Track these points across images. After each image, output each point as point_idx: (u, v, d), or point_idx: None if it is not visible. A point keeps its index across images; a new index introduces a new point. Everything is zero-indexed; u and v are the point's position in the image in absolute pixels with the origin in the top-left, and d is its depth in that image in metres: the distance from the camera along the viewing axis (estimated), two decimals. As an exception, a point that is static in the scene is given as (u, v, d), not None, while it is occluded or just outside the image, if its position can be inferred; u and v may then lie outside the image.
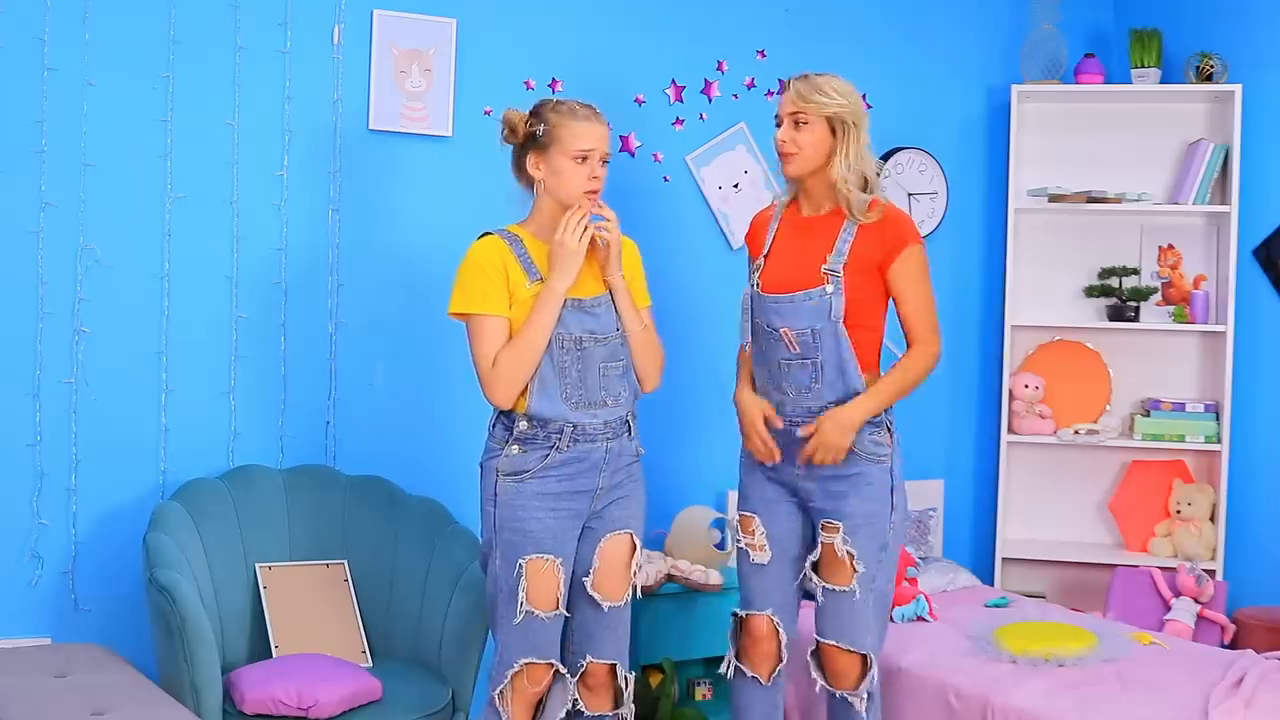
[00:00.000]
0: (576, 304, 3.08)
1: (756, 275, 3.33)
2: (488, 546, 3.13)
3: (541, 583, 3.06)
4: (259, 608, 3.54)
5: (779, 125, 3.27)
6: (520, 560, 3.05)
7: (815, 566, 3.28)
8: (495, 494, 3.08)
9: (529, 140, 3.11)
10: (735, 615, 3.42)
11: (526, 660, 3.07)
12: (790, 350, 3.24)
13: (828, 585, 3.25)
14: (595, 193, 3.09)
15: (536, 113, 3.11)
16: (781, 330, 3.23)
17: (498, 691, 3.09)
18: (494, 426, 3.14)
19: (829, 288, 3.21)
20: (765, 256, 3.32)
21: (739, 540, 3.38)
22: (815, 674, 3.33)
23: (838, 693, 3.29)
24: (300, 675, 3.21)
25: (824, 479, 3.25)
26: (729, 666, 3.42)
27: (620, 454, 3.15)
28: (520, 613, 3.05)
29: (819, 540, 3.28)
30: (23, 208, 3.50)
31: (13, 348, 3.50)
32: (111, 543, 3.61)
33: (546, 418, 3.05)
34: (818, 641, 3.30)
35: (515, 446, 3.07)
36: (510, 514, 3.05)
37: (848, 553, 3.21)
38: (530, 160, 3.11)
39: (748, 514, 3.37)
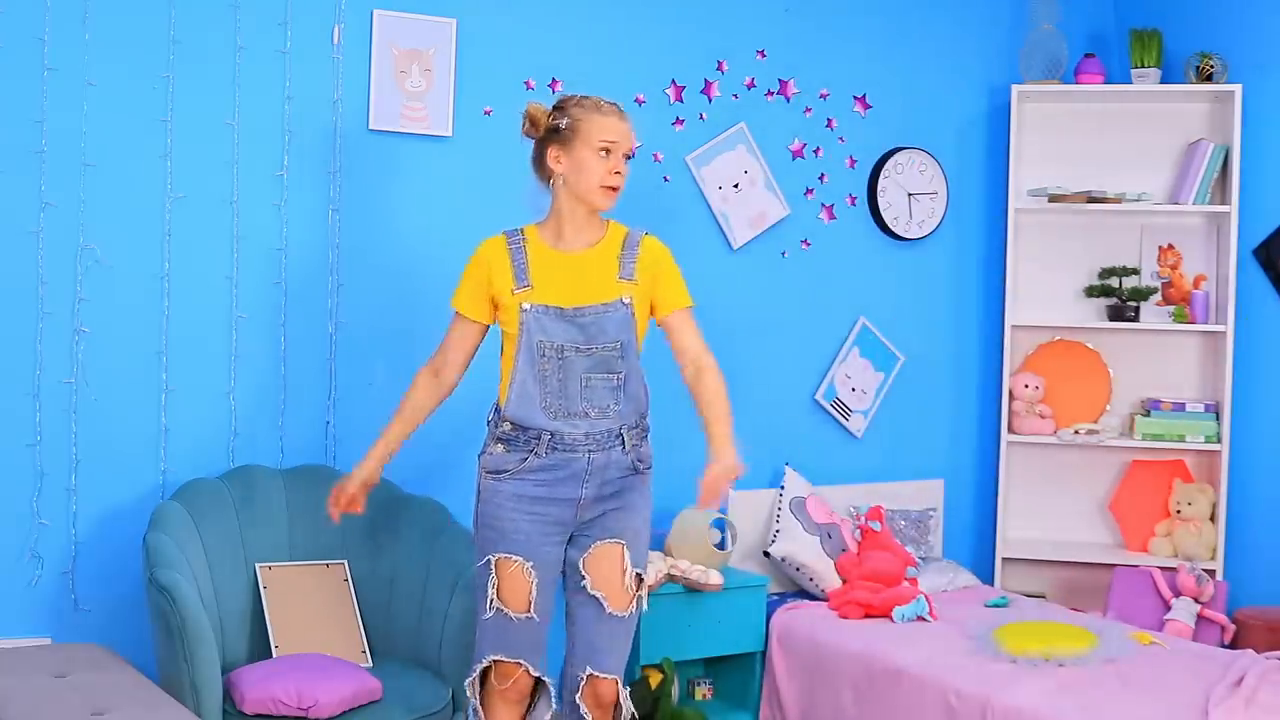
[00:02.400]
0: (559, 313, 3.04)
1: None
2: (473, 539, 3.18)
3: (511, 583, 3.06)
4: (259, 608, 3.54)
5: None
6: (490, 556, 3.07)
7: None
8: (479, 489, 3.12)
9: (550, 133, 3.08)
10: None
11: (495, 656, 3.09)
12: None
13: None
14: (615, 188, 3.07)
15: (560, 106, 3.10)
16: None
17: (468, 680, 3.13)
18: (488, 422, 3.15)
19: None
20: None
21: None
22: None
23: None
24: (300, 675, 3.21)
25: None
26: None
27: (608, 466, 3.08)
28: (490, 609, 3.06)
29: None
30: (23, 208, 3.50)
31: (13, 348, 3.50)
32: (111, 543, 3.61)
33: (523, 424, 3.05)
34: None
35: (499, 445, 3.08)
36: (487, 510, 3.09)
37: None
38: (551, 153, 3.08)
39: None
